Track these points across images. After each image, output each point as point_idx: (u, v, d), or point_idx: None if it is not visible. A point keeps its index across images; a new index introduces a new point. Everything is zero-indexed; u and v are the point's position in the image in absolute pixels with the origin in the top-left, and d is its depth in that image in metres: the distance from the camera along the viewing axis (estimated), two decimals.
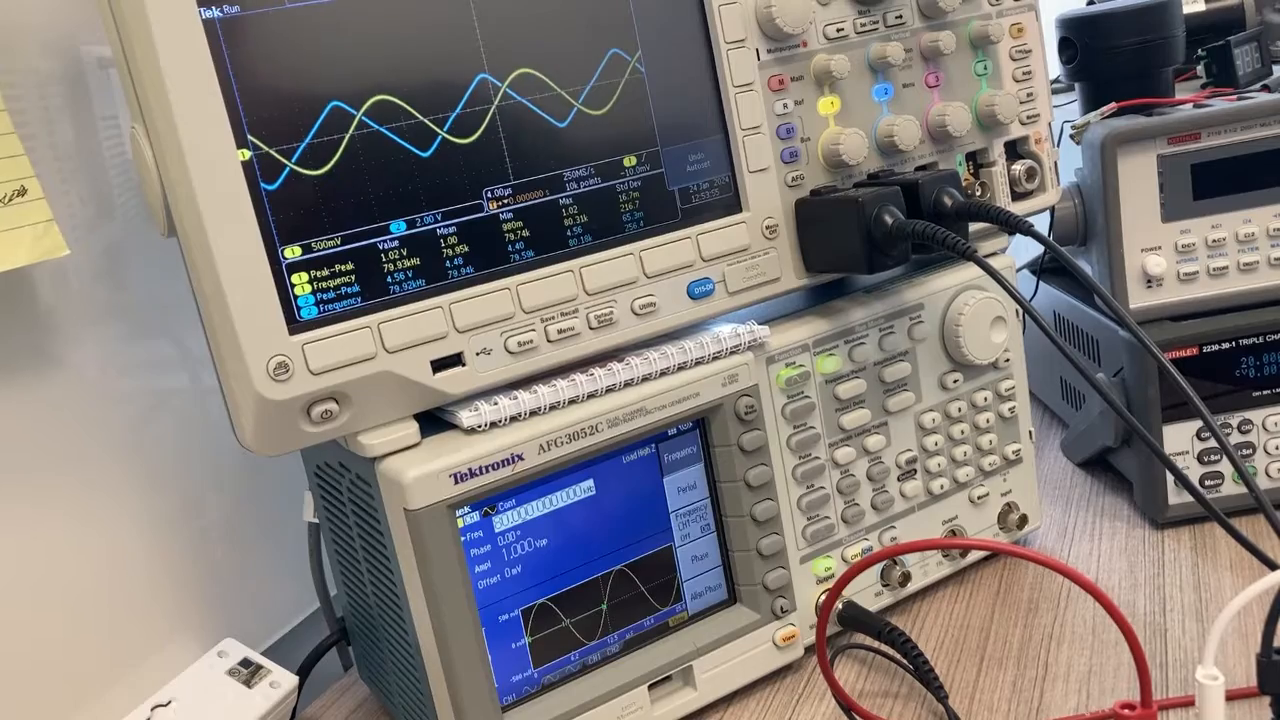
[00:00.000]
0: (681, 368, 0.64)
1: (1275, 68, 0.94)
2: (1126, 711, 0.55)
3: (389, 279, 0.57)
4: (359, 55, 0.55)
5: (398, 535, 0.58)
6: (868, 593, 0.73)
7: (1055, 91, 0.84)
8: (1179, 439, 0.80)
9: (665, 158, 0.64)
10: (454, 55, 0.58)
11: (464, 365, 0.59)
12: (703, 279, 0.65)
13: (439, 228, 0.58)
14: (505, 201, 0.60)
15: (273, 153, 0.54)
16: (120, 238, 0.70)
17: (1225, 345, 0.79)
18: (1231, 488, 0.80)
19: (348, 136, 0.55)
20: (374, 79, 0.56)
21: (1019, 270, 0.90)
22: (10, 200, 0.58)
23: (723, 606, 0.69)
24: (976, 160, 0.74)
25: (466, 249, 0.59)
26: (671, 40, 0.64)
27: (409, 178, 0.57)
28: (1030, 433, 0.79)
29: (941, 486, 0.75)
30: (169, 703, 0.67)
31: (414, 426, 0.59)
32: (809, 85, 0.67)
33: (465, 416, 0.59)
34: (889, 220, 0.63)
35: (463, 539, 0.59)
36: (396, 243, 0.57)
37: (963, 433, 0.75)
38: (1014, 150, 0.76)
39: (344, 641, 0.75)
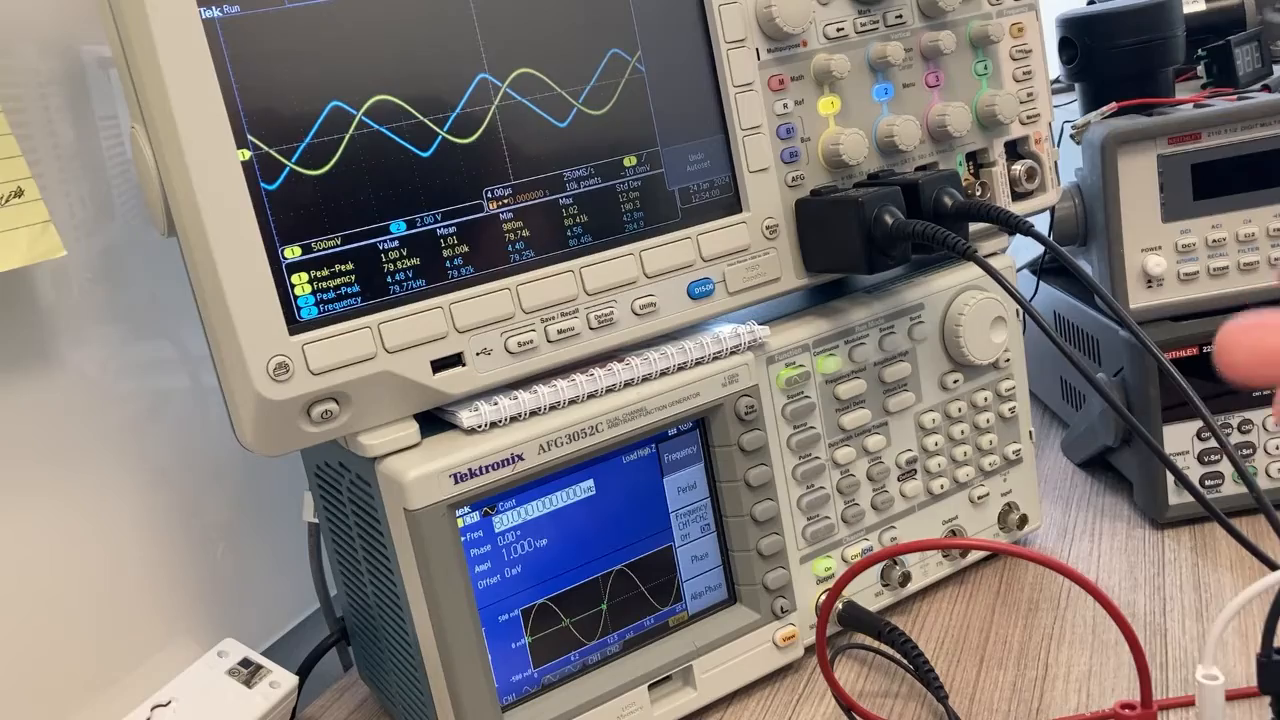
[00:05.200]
0: (681, 368, 0.64)
1: (1275, 68, 0.94)
2: (1126, 711, 0.55)
3: (389, 279, 0.57)
4: (359, 55, 0.55)
5: (398, 535, 0.58)
6: (868, 593, 0.73)
7: (1055, 91, 0.84)
8: (1179, 439, 0.80)
9: (665, 158, 0.64)
10: (454, 55, 0.58)
11: (464, 365, 0.59)
12: (703, 279, 0.65)
13: (439, 228, 0.58)
14: (505, 201, 0.60)
15: (273, 153, 0.54)
16: (120, 238, 0.70)
17: None
18: (1231, 488, 0.80)
19: (348, 136, 0.55)
20: (374, 79, 0.56)
21: (1019, 270, 0.90)
22: (7, 201, 0.58)
23: (723, 606, 0.69)
24: (976, 160, 0.74)
25: (466, 249, 0.59)
26: (671, 40, 0.64)
27: (409, 178, 0.57)
28: (1030, 433, 0.79)
29: (941, 486, 0.75)
30: (169, 703, 0.67)
31: (414, 426, 0.59)
32: (809, 85, 0.67)
33: (465, 416, 0.59)
34: (889, 220, 0.63)
35: (463, 539, 0.59)
36: (396, 243, 0.57)
37: (963, 433, 0.75)
38: (1014, 150, 0.76)
39: (344, 641, 0.75)
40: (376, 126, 0.56)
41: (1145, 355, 0.78)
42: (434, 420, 0.61)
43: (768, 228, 0.67)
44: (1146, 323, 0.79)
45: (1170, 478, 0.80)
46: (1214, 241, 0.79)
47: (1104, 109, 0.84)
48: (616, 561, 0.65)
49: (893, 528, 0.74)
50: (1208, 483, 0.80)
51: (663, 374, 0.63)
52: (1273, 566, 0.68)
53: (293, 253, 0.55)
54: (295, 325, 0.55)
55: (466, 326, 0.58)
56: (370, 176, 0.56)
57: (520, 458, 0.59)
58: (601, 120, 0.62)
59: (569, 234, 0.61)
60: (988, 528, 0.78)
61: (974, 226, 0.71)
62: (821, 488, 0.70)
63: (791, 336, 0.68)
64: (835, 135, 0.67)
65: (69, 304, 0.66)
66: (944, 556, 0.76)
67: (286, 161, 0.54)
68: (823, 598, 0.70)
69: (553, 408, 0.61)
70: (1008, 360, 0.77)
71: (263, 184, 0.54)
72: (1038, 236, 0.64)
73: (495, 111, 0.59)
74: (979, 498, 0.77)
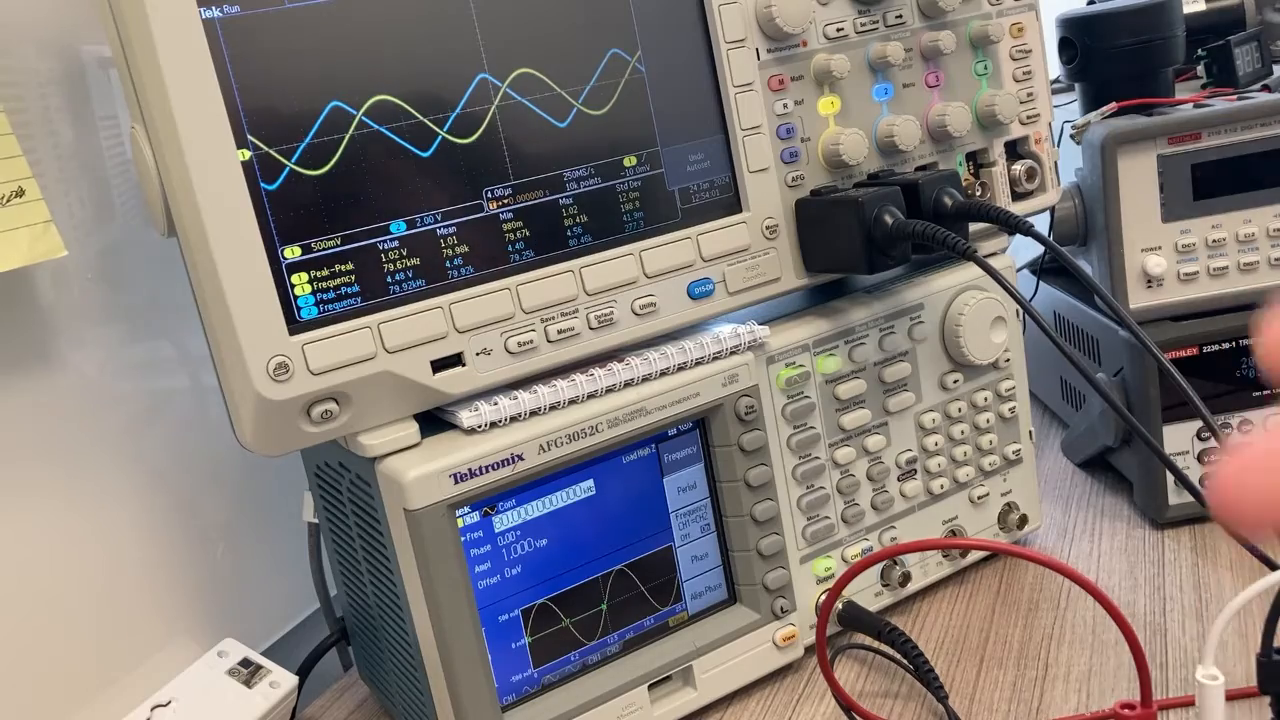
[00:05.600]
0: (681, 368, 0.64)
1: (1275, 68, 0.94)
2: (1126, 711, 0.55)
3: (389, 279, 0.57)
4: (359, 55, 0.55)
5: (398, 535, 0.58)
6: (868, 593, 0.73)
7: (1055, 91, 0.84)
8: (1179, 439, 0.80)
9: (665, 158, 0.64)
10: (454, 55, 0.58)
11: (464, 365, 0.59)
12: (703, 279, 0.65)
13: (439, 228, 0.58)
14: (505, 201, 0.60)
15: (273, 153, 0.54)
16: (120, 238, 0.70)
17: (1225, 345, 0.79)
18: None
19: (348, 136, 0.55)
20: (374, 79, 0.56)
21: (1019, 270, 0.90)
22: (8, 201, 0.58)
23: (723, 606, 0.69)
24: (976, 160, 0.74)
25: (466, 249, 0.59)
26: (671, 40, 0.64)
27: (409, 178, 0.57)
28: (1030, 433, 0.79)
29: (941, 486, 0.75)
30: (169, 703, 0.67)
31: (414, 426, 0.59)
32: (809, 85, 0.67)
33: (465, 416, 0.59)
34: (889, 220, 0.63)
35: (463, 539, 0.59)
36: (396, 243, 0.57)
37: (963, 433, 0.75)
38: (1014, 150, 0.76)
39: (344, 641, 0.75)
40: (376, 126, 0.56)
41: (1145, 355, 0.78)
42: (434, 420, 0.61)
43: (768, 228, 0.66)
44: (1146, 323, 0.79)
45: (1170, 478, 0.80)
46: (1214, 241, 0.79)
47: (1104, 109, 0.84)
48: (616, 561, 0.65)
49: (893, 528, 0.74)
50: (1208, 483, 0.80)
51: (663, 374, 0.63)
52: (1273, 566, 0.68)
53: (293, 253, 0.55)
54: (295, 325, 0.55)
55: (466, 326, 0.58)
56: (370, 176, 0.56)
57: (520, 458, 0.59)
58: (601, 120, 0.62)
59: (569, 234, 0.61)
60: (988, 528, 0.78)
61: (974, 226, 0.70)
62: (821, 488, 0.70)
63: (791, 336, 0.68)
64: (835, 135, 0.67)
65: (69, 304, 0.66)
66: (944, 556, 0.76)
67: (286, 161, 0.54)
68: (823, 598, 0.70)
69: (553, 408, 0.61)
70: (1008, 360, 0.77)
71: (263, 184, 0.54)
72: (1038, 236, 0.64)
73: (495, 111, 0.59)
74: (979, 498, 0.77)
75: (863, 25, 0.68)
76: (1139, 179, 0.79)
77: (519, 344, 0.59)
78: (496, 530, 0.60)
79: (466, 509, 0.59)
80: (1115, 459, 0.88)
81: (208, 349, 0.56)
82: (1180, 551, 0.77)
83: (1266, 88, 0.86)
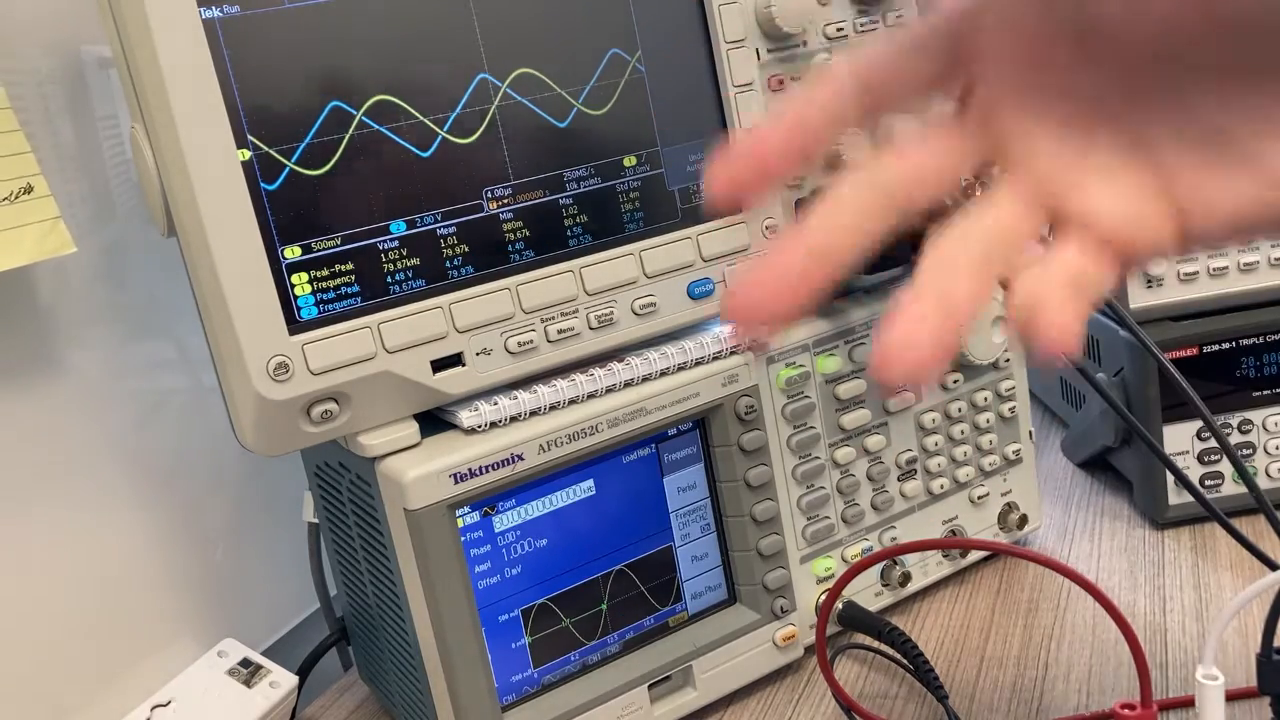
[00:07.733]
0: (681, 368, 0.64)
1: None
2: (1126, 711, 0.55)
3: (389, 279, 0.57)
4: (359, 55, 0.55)
5: (398, 535, 0.58)
6: (868, 593, 0.73)
7: None
8: (1179, 439, 0.80)
9: (665, 158, 0.64)
10: (454, 55, 0.58)
11: (464, 365, 0.59)
12: (703, 279, 0.65)
13: (439, 228, 0.58)
14: (505, 201, 0.60)
15: (273, 153, 0.54)
16: (120, 238, 0.70)
17: (1225, 345, 0.79)
18: (1231, 488, 0.80)
19: (348, 136, 0.55)
20: (374, 79, 0.56)
21: None
22: (16, 198, 0.58)
23: (723, 606, 0.69)
24: None
25: (466, 249, 0.59)
26: (671, 40, 0.64)
27: (409, 178, 0.57)
28: (1030, 433, 0.79)
29: (941, 486, 0.75)
30: (169, 703, 0.67)
31: (414, 426, 0.59)
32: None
33: (465, 416, 0.59)
34: None
35: (463, 539, 0.59)
36: (396, 243, 0.57)
37: (963, 433, 0.75)
38: None
39: (344, 641, 0.75)
40: (376, 126, 0.56)
41: (1145, 355, 0.78)
42: (434, 420, 0.61)
43: (768, 228, 0.66)
44: (1146, 323, 0.79)
45: (1170, 478, 0.80)
46: None
47: None
48: (616, 561, 0.65)
49: (893, 528, 0.74)
50: (1208, 483, 0.80)
51: (663, 374, 0.63)
52: (1273, 566, 0.68)
53: (293, 253, 0.55)
54: (295, 325, 0.55)
55: (466, 326, 0.58)
56: (370, 176, 0.56)
57: (520, 458, 0.59)
58: (601, 120, 0.62)
59: (569, 234, 0.61)
60: (988, 528, 0.78)
61: None
62: (821, 488, 0.70)
63: (791, 336, 0.68)
64: None
65: (69, 304, 0.66)
66: (944, 556, 0.76)
67: (286, 161, 0.54)
68: (823, 598, 0.70)
69: (553, 408, 0.61)
70: (1008, 360, 0.77)
71: (263, 184, 0.54)
72: None
73: (495, 111, 0.59)
74: (979, 498, 0.77)
75: (863, 25, 0.68)
76: None
77: (519, 344, 0.59)
78: (496, 530, 0.60)
79: (466, 509, 0.59)
80: (1115, 459, 0.88)
81: (208, 349, 0.56)
82: (1180, 551, 0.77)
83: None
